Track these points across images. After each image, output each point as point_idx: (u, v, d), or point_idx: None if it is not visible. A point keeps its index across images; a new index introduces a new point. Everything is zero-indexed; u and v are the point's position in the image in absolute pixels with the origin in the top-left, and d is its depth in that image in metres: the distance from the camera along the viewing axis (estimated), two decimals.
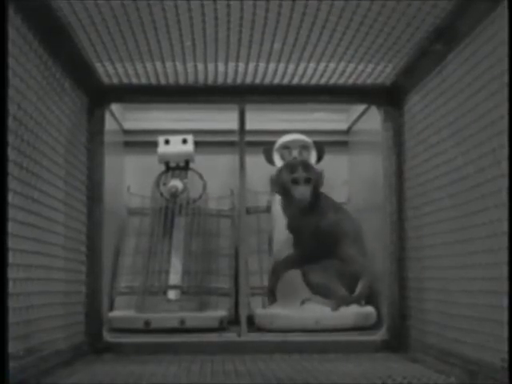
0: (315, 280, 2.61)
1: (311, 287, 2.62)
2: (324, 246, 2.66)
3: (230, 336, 2.32)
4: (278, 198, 2.92)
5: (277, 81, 2.16)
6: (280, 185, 2.72)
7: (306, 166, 2.73)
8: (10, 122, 1.34)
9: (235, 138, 2.35)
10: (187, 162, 2.95)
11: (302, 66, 2.02)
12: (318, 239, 2.68)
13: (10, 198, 1.33)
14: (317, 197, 2.72)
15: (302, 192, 2.67)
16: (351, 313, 2.48)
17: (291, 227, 2.75)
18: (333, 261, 2.64)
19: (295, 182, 2.69)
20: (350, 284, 2.58)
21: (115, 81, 2.14)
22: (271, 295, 2.73)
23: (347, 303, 2.51)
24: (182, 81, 2.15)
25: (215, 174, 3.04)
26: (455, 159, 1.67)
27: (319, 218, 2.70)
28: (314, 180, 2.70)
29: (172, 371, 1.77)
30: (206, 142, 3.09)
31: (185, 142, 2.89)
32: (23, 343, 1.45)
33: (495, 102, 1.40)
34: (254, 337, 2.28)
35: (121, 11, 1.58)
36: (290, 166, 2.73)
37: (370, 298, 2.57)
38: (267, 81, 2.16)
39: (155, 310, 2.58)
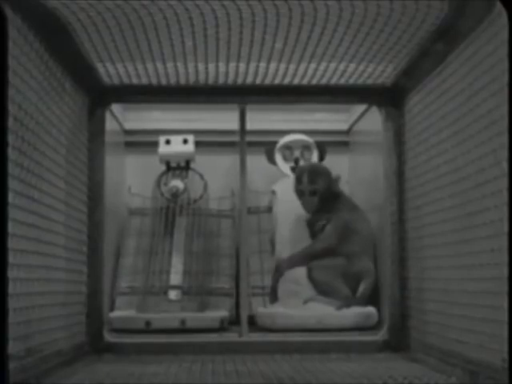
0: (320, 277, 2.61)
1: (315, 284, 2.62)
2: (333, 244, 2.67)
3: (231, 336, 2.32)
4: (279, 198, 2.93)
5: (278, 81, 2.16)
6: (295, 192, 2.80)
7: (313, 175, 2.75)
8: (11, 123, 1.34)
9: (236, 138, 2.35)
10: (188, 162, 2.95)
11: (302, 66, 2.02)
12: (329, 238, 2.69)
13: (11, 198, 1.33)
14: (331, 197, 2.75)
15: (308, 204, 2.76)
16: (352, 313, 2.48)
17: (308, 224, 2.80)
18: (338, 259, 2.64)
19: (301, 193, 2.75)
20: (352, 284, 2.58)
21: (116, 81, 2.14)
22: (273, 294, 2.73)
23: (351, 304, 2.51)
24: (182, 81, 2.15)
25: (216, 174, 3.04)
26: (456, 159, 1.67)
27: (331, 217, 2.71)
28: (322, 189, 2.73)
29: (173, 371, 1.77)
30: (207, 142, 3.09)
31: (185, 142, 2.89)
32: (24, 343, 1.45)
33: (496, 102, 1.40)
34: (255, 337, 2.28)
35: (121, 11, 1.58)
36: (297, 176, 2.78)
37: (371, 298, 2.57)
38: (268, 81, 2.16)
39: (156, 311, 2.58)
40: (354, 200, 2.83)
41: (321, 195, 2.73)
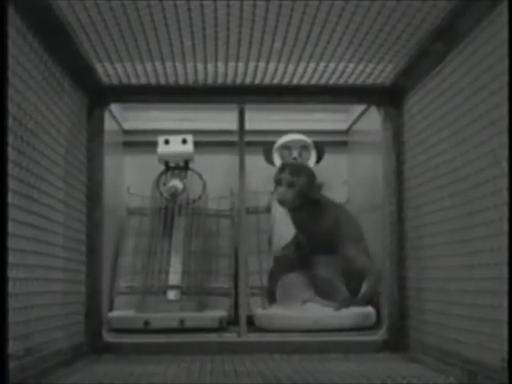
0: (321, 274, 2.60)
1: (316, 280, 2.61)
2: (324, 248, 2.66)
3: (230, 336, 2.32)
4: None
5: (276, 81, 2.16)
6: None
7: (297, 169, 2.65)
8: (10, 122, 1.34)
9: (235, 138, 2.35)
10: (187, 162, 2.95)
11: (301, 65, 2.02)
12: (317, 241, 2.68)
13: (10, 197, 1.33)
14: (315, 201, 2.70)
15: (282, 194, 2.61)
16: (351, 313, 2.47)
17: (295, 227, 2.77)
18: (339, 258, 2.62)
19: (278, 182, 2.63)
20: (354, 284, 2.57)
21: (115, 81, 2.14)
22: (270, 295, 2.73)
23: (350, 305, 2.50)
24: (181, 81, 2.15)
25: (215, 174, 3.04)
26: (455, 159, 1.67)
27: (318, 221, 2.69)
28: (301, 185, 2.61)
29: (171, 371, 1.77)
30: (206, 142, 3.09)
31: (184, 141, 2.89)
32: (23, 343, 1.45)
33: (495, 101, 1.40)
34: (254, 337, 2.28)
35: (121, 11, 1.58)
36: (281, 167, 2.69)
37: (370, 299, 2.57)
38: (267, 81, 2.16)
39: (155, 310, 2.58)
40: (351, 201, 2.83)
41: (298, 192, 2.60)
